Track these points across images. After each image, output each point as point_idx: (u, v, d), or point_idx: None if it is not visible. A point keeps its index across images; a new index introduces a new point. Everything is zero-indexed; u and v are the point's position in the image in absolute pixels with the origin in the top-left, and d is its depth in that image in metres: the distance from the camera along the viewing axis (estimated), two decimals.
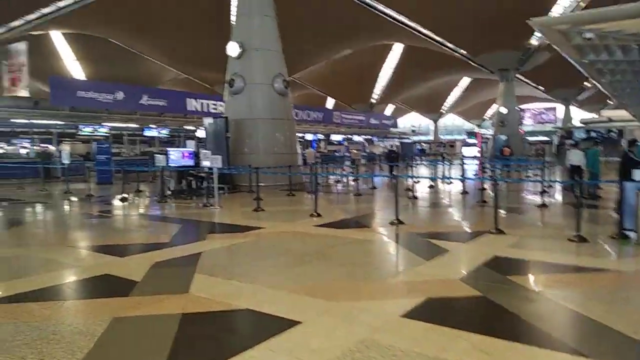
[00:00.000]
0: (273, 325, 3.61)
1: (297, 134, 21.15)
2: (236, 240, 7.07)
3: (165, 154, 12.94)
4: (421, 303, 4.14)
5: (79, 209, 11.73)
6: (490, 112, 64.83)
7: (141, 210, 11.10)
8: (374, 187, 15.57)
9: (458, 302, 4.28)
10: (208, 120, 16.69)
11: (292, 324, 3.64)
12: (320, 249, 6.43)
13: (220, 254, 6.31)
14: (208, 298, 4.31)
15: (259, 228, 8.08)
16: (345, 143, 43.17)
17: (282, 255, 6.08)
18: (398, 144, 41.53)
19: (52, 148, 25.58)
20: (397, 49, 46.15)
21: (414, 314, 3.85)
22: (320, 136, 43.05)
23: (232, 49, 16.48)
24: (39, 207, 12.22)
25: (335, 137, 45.24)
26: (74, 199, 13.56)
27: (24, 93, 25.98)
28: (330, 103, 62.16)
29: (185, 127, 32.48)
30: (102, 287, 4.91)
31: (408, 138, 55.75)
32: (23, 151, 29.46)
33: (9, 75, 27.87)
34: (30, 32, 35.94)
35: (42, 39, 40.05)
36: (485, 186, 13.47)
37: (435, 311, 4.03)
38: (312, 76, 48.73)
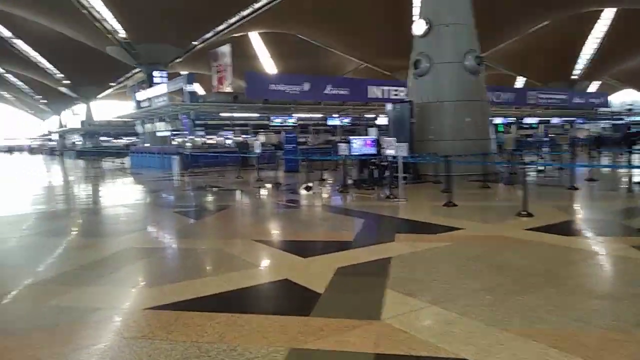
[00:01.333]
0: None
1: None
2: (430, 244, 5.85)
3: (348, 142, 12.40)
4: None
5: (268, 198, 11.98)
6: None
7: (324, 201, 10.72)
8: (592, 179, 12.55)
9: None
10: (390, 106, 15.71)
11: None
12: (548, 267, 4.78)
13: (413, 262, 5.17)
14: (407, 333, 3.21)
15: (455, 229, 6.70)
16: (538, 127, 37.72)
17: (495, 273, 4.64)
18: (606, 125, 34.62)
19: (249, 139, 28.12)
20: (607, 15, 38.39)
21: None
22: (511, 119, 38.58)
23: (418, 26, 15.13)
24: (232, 195, 12.91)
25: (529, 120, 40.15)
26: (263, 187, 14.11)
27: (228, 90, 29.05)
28: (519, 83, 55.75)
29: (365, 115, 32.43)
30: (280, 297, 4.26)
31: (622, 119, 46.41)
32: (228, 142, 33.31)
33: (217, 75, 31.52)
34: (233, 35, 40.41)
35: (242, 41, 44.63)
36: None
37: None
38: (500, 55, 44.09)
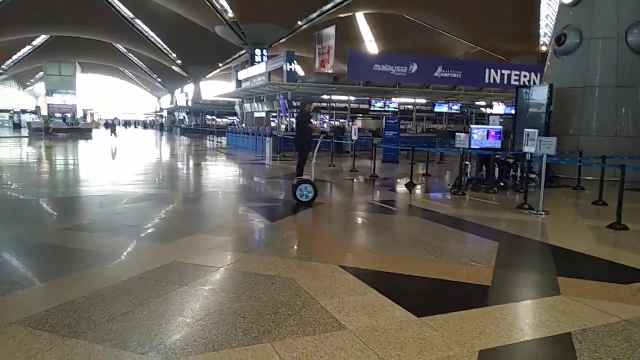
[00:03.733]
0: None
1: None
2: (625, 308, 3.49)
3: (468, 132, 9.94)
4: None
5: (361, 195, 10.03)
6: None
7: (431, 204, 8.46)
8: None
9: None
10: (523, 91, 12.80)
11: None
12: None
13: (611, 346, 2.88)
14: None
15: None
16: None
17: None
18: None
19: (346, 124, 26.35)
20: None
21: None
22: None
23: None
24: (320, 187, 11.14)
25: None
26: (357, 179, 12.19)
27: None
28: None
29: (476, 102, 28.96)
30: None
31: None
32: (324, 126, 31.89)
33: (320, 57, 30.08)
34: (338, 15, 38.68)
35: (347, 24, 42.76)
36: None
37: None
38: None
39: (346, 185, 11.09)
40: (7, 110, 56.12)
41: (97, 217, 6.69)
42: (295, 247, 5.30)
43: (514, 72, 25.03)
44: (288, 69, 21.61)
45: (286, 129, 23.42)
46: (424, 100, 28.92)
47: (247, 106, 30.42)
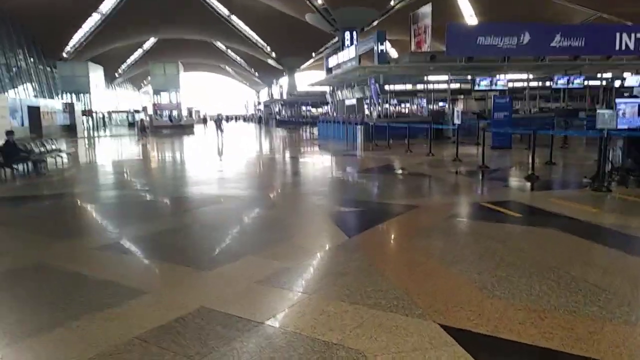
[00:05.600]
0: None
1: None
2: None
3: (614, 107, 7.50)
4: None
5: (468, 193, 8.13)
6: None
7: (565, 207, 6.31)
8: None
9: None
10: None
11: None
12: None
13: None
14: None
15: None
16: None
17: None
18: None
19: (446, 107, 23.86)
20: None
21: None
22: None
23: None
24: (415, 184, 9.40)
25: None
26: (462, 169, 10.19)
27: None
28: None
29: (603, 74, 24.59)
30: None
31: None
32: (423, 111, 29.48)
33: (416, 38, 27.69)
34: None
35: (445, 1, 39.39)
36: None
37: None
38: None
39: (449, 180, 9.18)
40: (123, 111, 61.23)
41: (143, 228, 5.73)
42: (375, 283, 3.75)
43: None
44: (379, 50, 19.75)
45: (379, 116, 21.67)
46: (537, 76, 25.26)
47: (338, 94, 29.12)
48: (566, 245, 4.51)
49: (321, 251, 4.58)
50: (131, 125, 48.13)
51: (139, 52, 66.57)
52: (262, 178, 10.46)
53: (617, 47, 20.51)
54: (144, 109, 52.27)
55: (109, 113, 57.66)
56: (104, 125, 50.81)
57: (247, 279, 3.81)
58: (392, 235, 5.07)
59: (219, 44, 67.59)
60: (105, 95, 56.33)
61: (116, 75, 69.38)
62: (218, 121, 25.83)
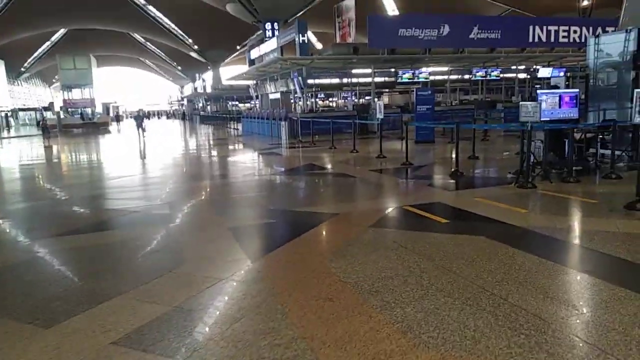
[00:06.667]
0: None
1: None
2: None
3: (535, 99, 7.21)
4: None
5: (391, 195, 7.54)
6: None
7: (493, 209, 5.86)
8: None
9: None
10: (594, 39, 9.88)
11: None
12: None
13: None
14: None
15: None
16: None
17: None
18: None
19: (371, 100, 23.59)
20: None
21: None
22: None
23: None
24: (334, 187, 8.72)
25: None
26: (385, 167, 9.66)
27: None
28: None
29: (520, 66, 25.57)
30: None
31: None
32: (348, 105, 29.12)
33: (340, 32, 27.19)
34: None
35: None
36: None
37: None
38: None
39: (372, 180, 8.55)
40: (32, 109, 55.62)
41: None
42: (274, 331, 2.90)
43: (562, 28, 21.60)
44: (300, 41, 18.93)
45: (303, 111, 20.90)
46: (457, 68, 25.74)
47: (262, 88, 28.01)
48: (499, 259, 3.93)
49: (212, 285, 3.64)
50: (40, 124, 43.69)
51: (47, 44, 60.78)
52: (166, 185, 9.27)
53: (531, 40, 21.29)
54: (50, 105, 47.65)
55: (14, 111, 52.13)
56: (7, 125, 45.72)
57: (100, 337, 2.81)
58: (304, 256, 4.25)
59: (137, 36, 63.45)
60: (9, 92, 50.88)
61: (22, 69, 63.06)
62: (139, 118, 23.28)
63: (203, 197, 7.80)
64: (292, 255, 4.34)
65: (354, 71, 24.30)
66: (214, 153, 16.03)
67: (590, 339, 2.57)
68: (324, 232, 5.12)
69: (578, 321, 2.81)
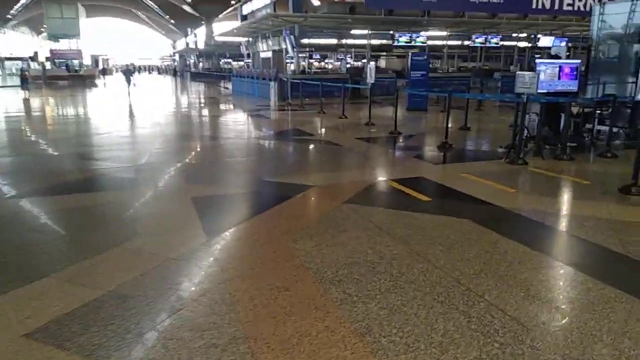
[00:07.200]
0: None
1: None
2: None
3: (533, 69, 6.71)
4: None
5: (373, 167, 7.12)
6: None
7: (479, 187, 5.49)
8: None
9: None
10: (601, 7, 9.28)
11: None
12: None
13: None
14: None
15: None
16: None
17: None
18: None
19: (367, 64, 22.76)
20: None
21: None
22: None
23: None
24: (314, 156, 8.28)
25: None
26: (372, 135, 9.20)
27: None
28: None
29: (521, 34, 24.72)
30: None
31: None
32: (344, 68, 28.16)
33: None
34: None
35: None
36: None
37: None
38: None
39: (355, 149, 8.10)
40: (17, 58, 53.59)
41: None
42: (215, 328, 2.55)
43: None
44: None
45: (294, 72, 20.14)
46: (457, 33, 24.82)
47: (253, 46, 26.95)
48: (480, 246, 3.57)
49: (157, 266, 3.25)
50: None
51: None
52: (140, 145, 8.75)
53: (534, 6, 20.40)
54: (35, 55, 45.96)
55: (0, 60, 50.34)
56: None
57: (16, 326, 2.44)
58: (267, 235, 3.86)
59: None
60: None
61: (9, 16, 60.40)
62: (127, 72, 22.59)
63: (174, 161, 7.33)
64: (254, 233, 3.96)
65: (351, 32, 23.35)
66: (195, 113, 15.43)
67: (573, 353, 2.23)
68: (294, 207, 4.72)
69: (560, 330, 2.46)
